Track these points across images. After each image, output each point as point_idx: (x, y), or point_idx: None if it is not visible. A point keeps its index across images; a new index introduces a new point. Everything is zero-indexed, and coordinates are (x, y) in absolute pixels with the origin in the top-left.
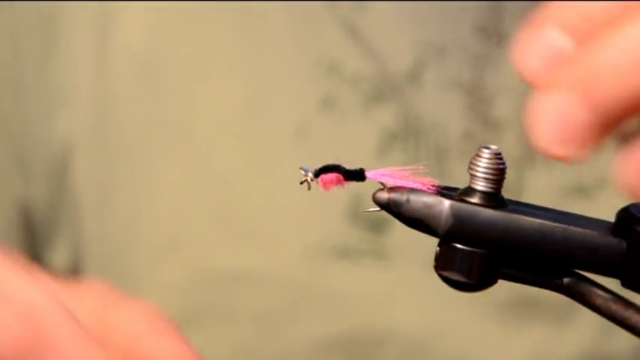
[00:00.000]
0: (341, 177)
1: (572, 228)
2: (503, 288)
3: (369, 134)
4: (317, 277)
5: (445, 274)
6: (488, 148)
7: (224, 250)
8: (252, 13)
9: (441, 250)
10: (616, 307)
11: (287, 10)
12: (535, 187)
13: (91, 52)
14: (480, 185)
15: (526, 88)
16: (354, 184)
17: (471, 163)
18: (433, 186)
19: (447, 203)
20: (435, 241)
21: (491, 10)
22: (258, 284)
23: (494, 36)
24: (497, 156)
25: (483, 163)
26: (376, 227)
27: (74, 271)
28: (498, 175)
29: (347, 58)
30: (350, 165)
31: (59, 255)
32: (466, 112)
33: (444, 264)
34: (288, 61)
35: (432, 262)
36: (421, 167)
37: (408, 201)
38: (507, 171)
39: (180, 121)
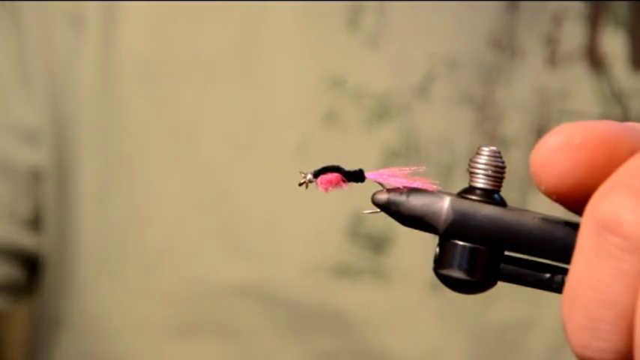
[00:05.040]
0: (340, 178)
1: (574, 223)
2: (502, 309)
3: (371, 150)
4: (315, 294)
5: (445, 272)
6: (487, 146)
7: (221, 264)
8: (262, 20)
9: (440, 249)
10: None
11: (299, 20)
12: (538, 210)
13: (95, 52)
14: (480, 182)
15: (537, 105)
16: (354, 189)
17: (471, 161)
18: (432, 186)
19: (447, 199)
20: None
21: (506, 22)
22: (255, 300)
23: (508, 49)
24: (497, 154)
25: (483, 160)
26: (377, 246)
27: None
28: (498, 172)
29: (355, 71)
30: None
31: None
32: (474, 129)
33: (444, 262)
34: (294, 72)
35: (432, 281)
36: (421, 168)
37: (407, 199)
38: (511, 192)
39: (182, 129)
